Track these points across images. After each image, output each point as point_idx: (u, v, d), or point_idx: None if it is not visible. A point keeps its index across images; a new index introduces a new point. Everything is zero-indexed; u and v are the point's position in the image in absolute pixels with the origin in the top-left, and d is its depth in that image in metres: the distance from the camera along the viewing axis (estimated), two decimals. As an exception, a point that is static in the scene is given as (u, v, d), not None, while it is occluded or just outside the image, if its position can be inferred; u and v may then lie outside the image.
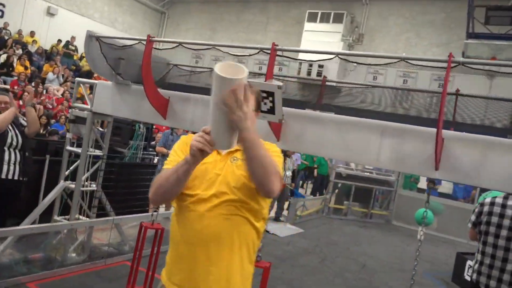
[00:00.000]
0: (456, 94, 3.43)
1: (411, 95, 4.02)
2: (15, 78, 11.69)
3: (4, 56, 12.46)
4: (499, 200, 3.60)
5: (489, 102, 3.33)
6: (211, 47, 3.42)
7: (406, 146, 2.96)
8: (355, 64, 4.69)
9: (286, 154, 9.05)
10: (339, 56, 3.12)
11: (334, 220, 10.43)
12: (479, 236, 3.72)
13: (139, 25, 19.62)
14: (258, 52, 3.19)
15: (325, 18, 17.23)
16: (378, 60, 3.51)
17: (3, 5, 14.86)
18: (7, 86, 10.84)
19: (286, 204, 9.20)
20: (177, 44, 3.64)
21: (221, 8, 19.70)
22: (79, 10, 17.43)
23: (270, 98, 3.11)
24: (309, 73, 12.99)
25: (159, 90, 4.01)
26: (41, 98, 11.32)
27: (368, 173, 11.13)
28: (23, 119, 4.24)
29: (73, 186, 4.59)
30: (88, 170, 4.71)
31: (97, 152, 4.78)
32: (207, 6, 20.07)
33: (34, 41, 14.91)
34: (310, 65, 16.89)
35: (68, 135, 4.73)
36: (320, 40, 17.10)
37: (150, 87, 3.73)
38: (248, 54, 3.27)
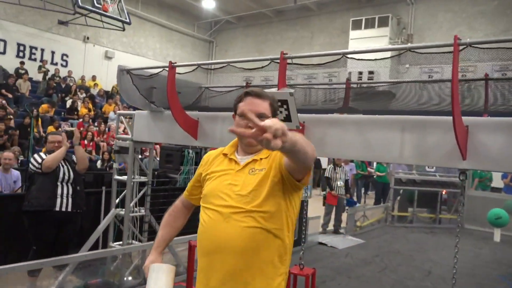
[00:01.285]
0: (486, 79, 3.23)
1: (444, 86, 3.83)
2: (81, 120, 12.66)
3: (69, 102, 13.57)
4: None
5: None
6: (227, 64, 3.53)
7: (428, 138, 2.83)
8: (407, 66, 4.62)
9: (335, 163, 8.89)
10: (346, 55, 3.08)
11: (398, 228, 9.99)
12: None
13: (190, 56, 20.51)
14: (269, 63, 3.25)
15: (370, 24, 16.95)
16: (430, 60, 3.33)
17: (67, 55, 16.28)
18: (73, 128, 11.75)
19: (344, 216, 8.99)
20: (197, 66, 3.79)
21: (264, 29, 20.10)
22: (133, 50, 18.63)
23: (285, 106, 3.14)
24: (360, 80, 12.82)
25: (190, 112, 4.19)
26: (104, 137, 12.14)
27: (431, 176, 10.59)
28: None
29: (123, 212, 4.86)
30: (135, 197, 4.96)
31: (143, 179, 5.04)
32: (251, 29, 20.58)
33: (96, 84, 16.11)
34: (360, 73, 16.76)
35: (115, 165, 5.05)
36: (367, 46, 16.79)
37: (178, 110, 3.91)
38: (261, 67, 3.33)
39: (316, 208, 9.27)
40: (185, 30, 20.64)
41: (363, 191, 13.69)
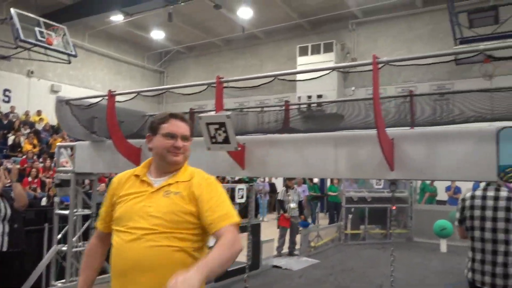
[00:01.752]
0: (410, 95, 3.46)
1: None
2: (24, 156, 12.14)
3: (12, 138, 13.01)
4: (479, 193, 3.54)
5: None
6: (165, 91, 3.58)
7: (360, 152, 2.98)
8: (353, 88, 4.81)
9: (287, 185, 9.01)
10: (278, 77, 3.22)
11: (351, 246, 10.18)
12: (468, 233, 3.63)
13: (139, 87, 20.33)
14: (206, 88, 3.32)
15: (315, 50, 17.61)
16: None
17: (9, 91, 15.69)
18: (17, 166, 11.24)
19: (298, 237, 9.06)
20: (136, 94, 3.80)
21: (215, 58, 20.38)
22: (81, 83, 18.26)
23: (223, 129, 3.21)
24: (309, 104, 13.21)
25: (133, 140, 4.16)
26: (50, 172, 11.67)
27: (380, 193, 10.95)
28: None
29: (65, 248, 4.67)
30: (79, 230, 4.80)
31: (86, 211, 4.89)
32: (202, 59, 20.80)
33: (41, 119, 15.57)
34: (310, 97, 17.29)
35: (56, 199, 4.87)
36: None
37: (119, 139, 3.88)
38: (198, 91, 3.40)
39: (272, 232, 9.31)
40: (134, 61, 20.54)
41: (317, 211, 13.90)
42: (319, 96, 16.80)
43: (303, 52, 17.73)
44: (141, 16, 15.96)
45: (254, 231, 7.28)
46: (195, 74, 20.74)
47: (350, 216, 11.09)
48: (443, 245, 8.65)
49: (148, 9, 14.81)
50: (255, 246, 7.22)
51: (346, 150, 3.01)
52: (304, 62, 17.72)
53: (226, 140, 3.22)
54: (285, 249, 8.88)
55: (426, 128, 2.83)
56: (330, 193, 12.36)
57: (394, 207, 11.18)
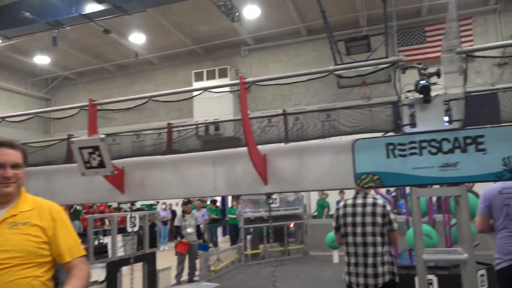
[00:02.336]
0: (284, 114, 3.70)
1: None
2: None
3: None
4: (349, 201, 3.86)
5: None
6: (34, 115, 3.37)
7: (236, 169, 3.09)
8: (249, 112, 4.96)
9: (184, 210, 8.90)
10: (152, 98, 3.24)
11: (251, 266, 10.33)
12: (343, 239, 3.93)
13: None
14: (79, 111, 3.21)
15: (211, 75, 17.91)
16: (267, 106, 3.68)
17: None
18: None
19: (198, 262, 8.95)
20: (1, 120, 3.52)
21: (108, 84, 19.66)
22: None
23: (97, 152, 3.11)
24: (207, 130, 13.33)
25: None
26: None
27: (276, 212, 11.32)
28: None
29: None
30: None
31: None
32: (94, 85, 19.91)
33: None
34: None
35: None
36: (210, 96, 17.68)
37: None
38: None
39: (173, 260, 9.06)
40: (15, 88, 18.94)
41: (219, 234, 13.92)
42: (216, 124, 17.07)
43: (199, 77, 17.94)
44: (22, 40, 14.87)
45: (150, 261, 7.05)
46: (86, 100, 19.73)
47: (249, 236, 11.28)
48: (335, 255, 9.18)
49: (29, 33, 13.86)
50: (151, 276, 6.98)
51: (224, 167, 3.10)
52: (200, 87, 17.87)
53: (102, 164, 3.12)
54: (185, 276, 8.70)
55: (296, 144, 3.04)
56: (229, 215, 12.46)
57: (292, 225, 11.64)
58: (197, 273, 8.84)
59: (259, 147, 2.96)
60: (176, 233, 9.38)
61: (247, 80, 2.80)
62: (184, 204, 9.09)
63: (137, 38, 15.86)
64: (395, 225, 3.77)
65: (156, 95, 3.41)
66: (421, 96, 2.54)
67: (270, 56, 17.82)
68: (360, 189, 3.83)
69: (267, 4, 14.38)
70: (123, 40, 16.20)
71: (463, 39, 15.29)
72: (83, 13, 12.62)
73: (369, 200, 3.75)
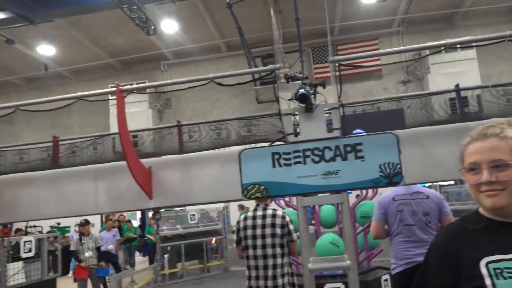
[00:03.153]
0: (178, 125, 3.57)
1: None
2: None
3: None
4: (250, 214, 3.78)
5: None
6: None
7: (119, 184, 2.89)
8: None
9: (81, 232, 8.15)
10: (19, 107, 2.95)
11: (168, 286, 9.93)
12: (243, 252, 3.83)
13: None
14: None
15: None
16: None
17: None
18: None
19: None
20: None
21: (14, 99, 18.08)
22: None
23: (-44, 169, 2.74)
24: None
25: None
26: None
27: (194, 228, 11.06)
28: None
29: None
30: None
31: None
32: (-2, 99, 18.34)
33: None
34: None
35: None
36: (128, 111, 17.10)
37: None
38: None
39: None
40: None
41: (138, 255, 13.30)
42: (135, 137, 16.48)
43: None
44: None
45: (49, 288, 6.47)
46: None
47: (166, 255, 10.86)
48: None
49: None
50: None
51: (105, 182, 2.88)
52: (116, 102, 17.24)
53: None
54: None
55: (183, 156, 2.92)
56: (147, 235, 11.94)
57: (213, 240, 11.42)
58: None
59: (145, 160, 2.79)
60: (74, 258, 8.46)
61: (124, 88, 2.64)
62: (81, 225, 8.30)
63: (46, 50, 14.92)
64: (295, 236, 3.76)
65: (23, 105, 3.11)
66: (301, 104, 2.55)
67: (190, 71, 17.65)
68: (260, 201, 3.80)
69: (186, 19, 14.28)
70: (31, 52, 15.15)
71: (372, 58, 16.33)
72: (-19, 21, 11.62)
73: (269, 212, 3.72)
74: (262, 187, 2.70)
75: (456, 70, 14.74)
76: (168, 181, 2.80)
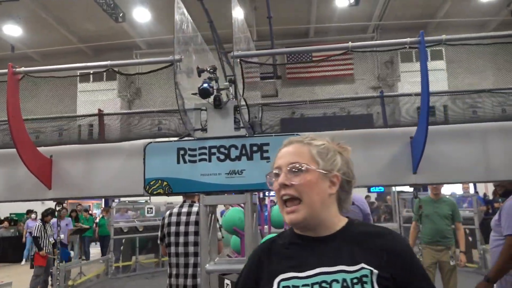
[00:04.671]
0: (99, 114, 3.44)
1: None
2: None
3: None
4: (175, 210, 3.68)
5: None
6: None
7: (19, 171, 2.74)
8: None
9: (43, 220, 8.05)
10: None
11: (120, 279, 9.73)
12: (167, 249, 3.73)
13: None
14: None
15: (98, 77, 16.97)
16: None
17: None
18: None
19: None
20: None
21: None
22: None
23: None
24: (90, 133, 12.50)
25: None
26: None
27: (152, 221, 10.87)
28: None
29: None
30: None
31: None
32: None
33: None
34: (91, 126, 16.44)
35: None
36: (96, 99, 16.78)
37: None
38: None
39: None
40: None
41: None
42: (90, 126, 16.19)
43: (85, 79, 16.88)
44: None
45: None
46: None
47: (121, 247, 10.66)
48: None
49: None
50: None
51: (4, 169, 2.74)
52: (85, 88, 16.87)
53: None
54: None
55: (87, 146, 2.79)
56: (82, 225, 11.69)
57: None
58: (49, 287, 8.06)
59: (46, 148, 2.66)
60: (35, 244, 8.41)
61: (19, 69, 2.50)
62: (43, 214, 8.29)
63: (12, 30, 14.47)
64: (219, 234, 3.68)
65: None
66: (203, 100, 2.46)
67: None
68: (187, 197, 3.70)
69: (158, 8, 14.02)
70: (-4, 31, 14.68)
71: (344, 62, 16.42)
72: None
73: (195, 209, 3.62)
74: (165, 183, 2.61)
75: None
76: (69, 171, 2.67)
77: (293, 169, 1.15)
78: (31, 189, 2.65)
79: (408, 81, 15.25)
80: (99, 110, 3.57)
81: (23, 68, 2.48)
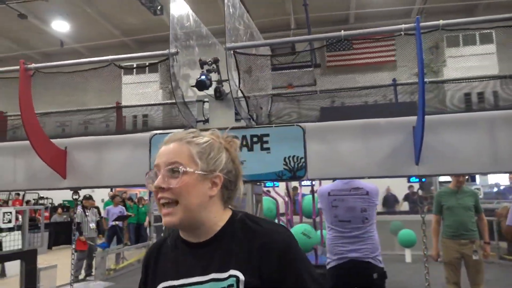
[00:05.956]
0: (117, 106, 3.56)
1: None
2: None
3: None
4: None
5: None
6: None
7: (37, 161, 2.91)
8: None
9: (84, 206, 8.57)
10: None
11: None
12: None
13: None
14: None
15: (141, 70, 17.48)
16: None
17: None
18: None
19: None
20: None
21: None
22: None
23: None
24: (135, 124, 13.00)
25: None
26: None
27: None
28: None
29: None
30: None
31: None
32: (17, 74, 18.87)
33: None
34: (135, 116, 17.02)
35: None
36: (140, 92, 17.35)
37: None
38: None
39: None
40: None
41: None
42: (145, 116, 16.71)
43: (129, 71, 17.46)
44: None
45: (28, 259, 6.68)
46: (6, 90, 18.70)
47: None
48: (408, 255, 8.82)
49: None
50: (30, 275, 6.61)
51: (24, 160, 2.92)
52: (129, 81, 17.43)
53: None
54: (82, 275, 8.39)
55: (99, 137, 2.92)
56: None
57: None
58: (93, 271, 8.54)
59: (61, 140, 2.81)
60: (76, 229, 9.04)
61: (30, 66, 2.64)
62: (85, 199, 8.81)
63: (60, 26, 15.19)
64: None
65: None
66: (199, 91, 2.48)
67: (203, 53, 17.67)
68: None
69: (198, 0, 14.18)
70: (46, 27, 15.45)
71: (386, 48, 15.89)
72: (-7, -6, 11.90)
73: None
74: (168, 174, 2.67)
75: (474, 65, 14.20)
76: (81, 162, 2.81)
77: (171, 171, 1.08)
78: (47, 178, 2.81)
79: (455, 67, 14.54)
80: (117, 103, 3.70)
81: (33, 65, 2.62)
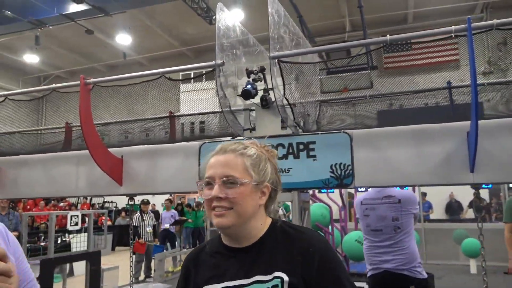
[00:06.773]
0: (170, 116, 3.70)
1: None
2: None
3: None
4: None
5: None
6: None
7: (97, 169, 3.09)
8: None
9: (141, 210, 8.96)
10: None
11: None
12: None
13: (15, 114, 19.00)
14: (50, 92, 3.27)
15: (198, 78, 18.00)
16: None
17: None
18: None
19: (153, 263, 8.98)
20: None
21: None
22: None
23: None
24: (192, 130, 13.45)
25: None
26: None
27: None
28: None
29: None
30: None
31: None
32: (85, 84, 20.13)
33: None
34: (192, 123, 17.52)
35: None
36: (197, 98, 17.85)
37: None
38: None
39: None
40: (8, 86, 19.21)
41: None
42: (202, 122, 17.16)
43: (187, 80, 18.05)
44: (9, 38, 15.12)
45: (93, 260, 7.07)
46: (77, 100, 19.98)
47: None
48: (473, 265, 8.31)
49: (12, 31, 14.07)
50: (94, 275, 7.00)
51: (86, 167, 3.11)
52: (187, 89, 18.01)
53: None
54: (141, 276, 8.74)
55: (152, 146, 3.05)
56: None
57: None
58: (152, 273, 8.87)
59: (117, 149, 2.97)
60: (134, 233, 9.44)
61: (89, 80, 2.81)
62: (143, 203, 9.20)
63: (123, 39, 16.02)
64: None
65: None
66: (246, 101, 2.52)
67: (259, 60, 17.84)
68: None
69: (252, 7, 14.38)
70: (111, 41, 16.37)
71: (448, 47, 15.15)
72: (64, 13, 12.78)
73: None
74: (217, 181, 2.73)
75: (547, 61, 13.15)
76: (136, 170, 2.95)
77: (228, 182, 1.15)
78: (105, 185, 2.98)
79: (525, 64, 13.56)
80: (170, 112, 3.84)
81: (92, 79, 2.79)
